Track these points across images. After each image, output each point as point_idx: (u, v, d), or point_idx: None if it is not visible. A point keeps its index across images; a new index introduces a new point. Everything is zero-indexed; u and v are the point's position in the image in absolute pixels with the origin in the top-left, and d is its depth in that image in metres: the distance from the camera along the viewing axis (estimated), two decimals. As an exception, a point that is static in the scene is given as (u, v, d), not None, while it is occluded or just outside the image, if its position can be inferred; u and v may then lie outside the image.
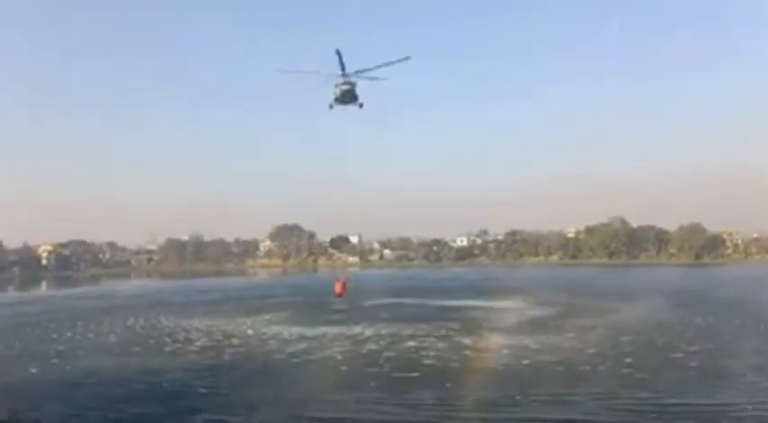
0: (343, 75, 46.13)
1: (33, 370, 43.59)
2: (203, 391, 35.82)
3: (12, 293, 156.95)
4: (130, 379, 39.66)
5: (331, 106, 47.58)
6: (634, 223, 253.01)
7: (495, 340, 50.86)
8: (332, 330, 60.32)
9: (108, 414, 31.08)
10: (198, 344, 53.86)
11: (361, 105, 47.65)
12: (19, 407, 30.09)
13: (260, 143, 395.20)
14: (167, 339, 57.23)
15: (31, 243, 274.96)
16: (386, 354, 45.65)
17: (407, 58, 44.88)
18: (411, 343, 50.46)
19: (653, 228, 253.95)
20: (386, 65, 45.48)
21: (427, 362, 42.24)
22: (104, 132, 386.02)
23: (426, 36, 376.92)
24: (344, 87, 46.29)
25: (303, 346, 51.26)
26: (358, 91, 47.47)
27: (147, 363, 45.68)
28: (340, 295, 76.52)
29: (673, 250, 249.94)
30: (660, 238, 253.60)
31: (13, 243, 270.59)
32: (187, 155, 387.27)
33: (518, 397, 31.46)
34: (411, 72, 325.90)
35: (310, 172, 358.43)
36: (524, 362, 41.09)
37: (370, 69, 46.14)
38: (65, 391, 36.49)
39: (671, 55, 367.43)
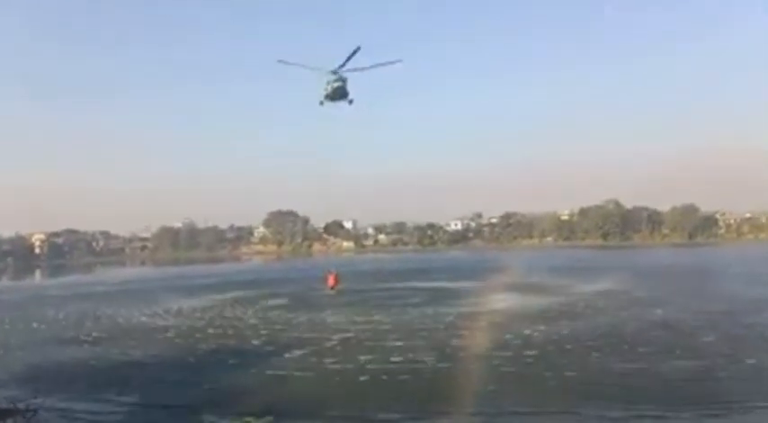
0: (335, 71, 45.97)
1: (33, 358, 43.48)
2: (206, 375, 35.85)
3: (7, 283, 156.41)
4: (131, 366, 39.67)
5: (321, 103, 47.51)
6: (628, 205, 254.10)
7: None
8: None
9: (108, 401, 31.04)
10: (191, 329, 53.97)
11: (351, 102, 47.61)
12: (19, 395, 29.89)
13: (254, 130, 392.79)
14: (158, 326, 57.35)
15: (24, 232, 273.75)
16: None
17: (399, 61, 45.37)
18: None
19: (646, 209, 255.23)
20: (379, 65, 45.73)
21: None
22: (96, 119, 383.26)
23: (417, 20, 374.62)
24: (336, 84, 46.28)
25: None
26: (348, 84, 47.42)
27: (150, 350, 45.77)
28: (332, 288, 76.40)
29: (666, 231, 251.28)
30: (653, 220, 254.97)
31: (5, 232, 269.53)
32: (180, 142, 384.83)
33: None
34: (404, 58, 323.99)
35: (305, 158, 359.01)
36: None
37: (363, 68, 46.29)
38: (65, 379, 36.43)
39: (660, 35, 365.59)
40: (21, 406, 27.60)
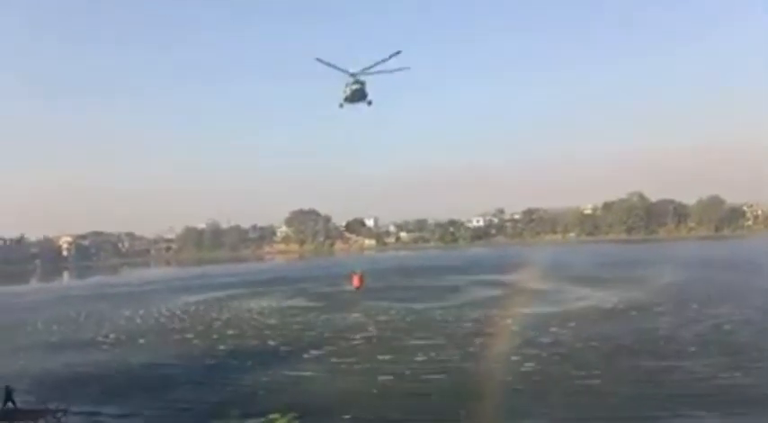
0: (352, 74, 47.15)
1: (61, 359, 44.38)
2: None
3: (35, 285, 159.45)
4: (152, 367, 40.26)
5: (341, 105, 48.67)
6: (652, 198, 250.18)
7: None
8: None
9: (132, 402, 31.54)
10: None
11: (369, 103, 48.77)
12: (48, 395, 30.56)
13: (275, 129, 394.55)
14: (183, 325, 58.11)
15: (51, 235, 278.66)
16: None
17: (398, 53, 45.54)
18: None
19: (672, 202, 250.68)
20: (382, 62, 46.35)
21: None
22: (117, 121, 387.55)
23: (437, 18, 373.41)
24: (354, 87, 47.49)
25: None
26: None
27: (181, 348, 46.54)
28: (358, 288, 76.44)
29: (692, 224, 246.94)
30: (679, 213, 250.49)
31: (33, 235, 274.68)
32: (202, 142, 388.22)
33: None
34: (425, 53, 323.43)
35: (323, 157, 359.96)
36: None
37: (371, 66, 47.03)
38: (91, 381, 37.14)
39: (685, 27, 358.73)
40: (51, 407, 28.28)
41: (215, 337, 50.94)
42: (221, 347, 45.60)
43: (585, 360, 35.23)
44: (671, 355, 35.85)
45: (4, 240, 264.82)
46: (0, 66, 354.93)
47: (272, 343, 46.21)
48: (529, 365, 34.57)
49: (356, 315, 59.03)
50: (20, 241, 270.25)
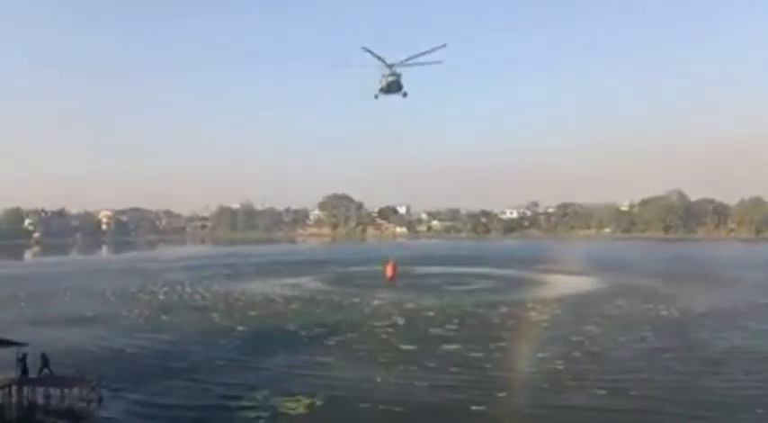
0: (389, 65, 47.26)
1: (94, 331, 45.77)
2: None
3: (76, 256, 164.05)
4: (179, 344, 41.16)
5: (376, 96, 48.98)
6: (692, 196, 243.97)
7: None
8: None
9: (162, 378, 32.37)
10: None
11: (405, 94, 49.04)
12: (83, 365, 31.50)
13: (312, 114, 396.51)
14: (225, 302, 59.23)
15: (92, 209, 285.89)
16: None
17: (443, 46, 45.43)
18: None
19: (712, 201, 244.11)
20: (423, 54, 46.35)
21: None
22: (158, 103, 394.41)
23: (480, 10, 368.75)
24: (390, 78, 47.83)
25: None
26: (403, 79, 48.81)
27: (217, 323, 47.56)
28: (391, 278, 76.49)
29: (732, 225, 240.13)
30: (720, 212, 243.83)
31: (74, 209, 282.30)
32: (239, 125, 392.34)
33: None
34: (461, 47, 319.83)
35: (360, 143, 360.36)
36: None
37: (412, 58, 47.12)
38: (116, 355, 38.27)
39: (726, 13, 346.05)
40: (87, 375, 29.19)
41: (237, 316, 51.69)
42: (244, 328, 46.22)
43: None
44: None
45: (46, 212, 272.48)
46: (53, 53, 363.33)
47: (296, 326, 46.57)
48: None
49: (383, 302, 59.20)
50: (61, 214, 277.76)
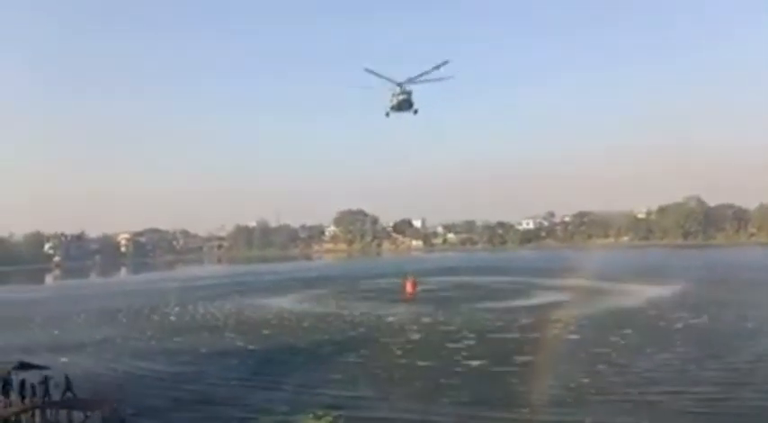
0: (399, 84, 47.88)
1: (107, 354, 46.14)
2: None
3: (95, 279, 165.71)
4: (193, 362, 41.32)
5: (387, 114, 49.39)
6: (710, 202, 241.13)
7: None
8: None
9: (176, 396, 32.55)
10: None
11: (416, 112, 49.50)
12: (101, 388, 31.74)
13: (325, 128, 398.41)
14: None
15: (110, 232, 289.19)
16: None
17: (445, 63, 45.80)
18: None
19: (731, 206, 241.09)
20: (428, 72, 46.89)
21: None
22: (168, 123, 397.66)
23: (487, 18, 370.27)
24: (401, 97, 48.30)
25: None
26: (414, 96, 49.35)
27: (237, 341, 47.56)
28: (411, 294, 76.26)
29: (752, 230, 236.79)
30: (739, 217, 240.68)
31: (93, 232, 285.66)
32: (252, 143, 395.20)
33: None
34: (476, 55, 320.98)
35: (374, 156, 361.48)
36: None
37: (418, 76, 47.73)
38: (140, 373, 38.53)
39: (745, 18, 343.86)
40: (109, 397, 29.40)
41: (254, 335, 51.73)
42: (260, 346, 46.29)
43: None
44: None
45: (66, 236, 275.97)
46: (60, 65, 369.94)
47: (312, 344, 46.61)
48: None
49: (401, 316, 59.01)
50: (80, 238, 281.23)
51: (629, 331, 45.99)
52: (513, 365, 36.33)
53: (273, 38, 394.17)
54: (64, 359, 41.50)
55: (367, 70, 47.14)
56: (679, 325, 48.62)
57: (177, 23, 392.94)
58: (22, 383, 28.98)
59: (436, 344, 44.24)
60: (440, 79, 47.86)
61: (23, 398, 28.73)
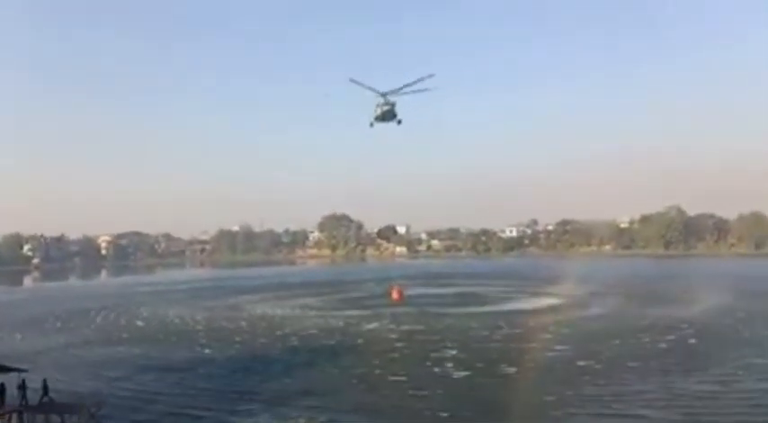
0: (383, 94, 48.31)
1: (92, 353, 45.41)
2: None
3: (74, 282, 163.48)
4: (174, 369, 40.75)
5: (371, 124, 49.83)
6: (691, 212, 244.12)
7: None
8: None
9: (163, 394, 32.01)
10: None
11: (399, 122, 50.02)
12: (81, 390, 31.20)
13: (309, 134, 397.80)
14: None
15: (91, 234, 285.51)
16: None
17: (431, 76, 46.29)
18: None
19: (712, 216, 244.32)
20: (412, 84, 47.41)
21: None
22: (153, 126, 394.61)
23: (466, 25, 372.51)
24: (385, 108, 48.74)
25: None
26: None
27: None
28: (397, 301, 77.16)
29: (732, 240, 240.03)
30: (719, 228, 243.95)
31: (73, 234, 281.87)
32: (235, 147, 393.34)
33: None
34: (454, 62, 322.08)
35: (357, 163, 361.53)
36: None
37: (401, 88, 48.23)
38: (122, 374, 37.93)
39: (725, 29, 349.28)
40: (86, 401, 28.85)
41: (235, 340, 51.23)
42: (240, 352, 45.93)
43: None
44: None
45: (45, 238, 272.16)
46: (50, 66, 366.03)
47: (297, 349, 46.44)
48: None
49: (385, 322, 58.78)
50: (60, 240, 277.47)
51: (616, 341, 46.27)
52: (497, 376, 36.09)
53: (259, 42, 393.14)
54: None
55: (352, 81, 47.43)
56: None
57: (162, 30, 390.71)
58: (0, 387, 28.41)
59: (418, 352, 43.81)
60: (424, 90, 48.19)
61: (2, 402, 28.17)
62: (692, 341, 45.40)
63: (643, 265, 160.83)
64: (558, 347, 43.83)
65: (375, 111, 49.40)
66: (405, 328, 55.49)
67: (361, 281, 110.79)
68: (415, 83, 47.32)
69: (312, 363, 41.24)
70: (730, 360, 38.22)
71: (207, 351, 46.96)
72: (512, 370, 37.26)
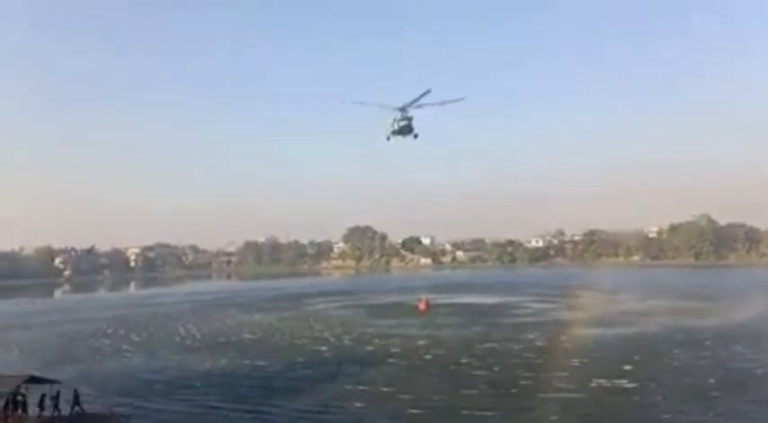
0: (402, 109, 48.40)
1: (122, 364, 46.00)
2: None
3: (102, 294, 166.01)
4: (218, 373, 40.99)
5: (388, 138, 50.02)
6: (721, 221, 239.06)
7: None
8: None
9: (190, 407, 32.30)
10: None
11: (416, 136, 50.12)
12: (113, 401, 31.57)
13: (333, 147, 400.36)
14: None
15: (120, 246, 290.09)
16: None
17: (461, 99, 46.27)
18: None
19: (743, 226, 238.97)
20: (440, 103, 47.39)
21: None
22: (181, 139, 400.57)
23: (492, 38, 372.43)
24: (402, 123, 48.93)
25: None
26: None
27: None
28: (424, 312, 78.66)
29: (765, 250, 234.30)
30: (750, 238, 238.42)
31: (103, 247, 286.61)
32: (263, 159, 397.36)
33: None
34: (480, 74, 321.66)
35: (383, 174, 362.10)
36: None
37: (415, 100, 48.38)
38: (150, 386, 38.32)
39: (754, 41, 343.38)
40: (116, 411, 29.25)
41: (252, 354, 51.13)
42: (267, 364, 45.95)
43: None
44: None
45: (76, 251, 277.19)
46: (72, 81, 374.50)
47: (320, 359, 46.50)
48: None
49: (410, 333, 58.57)
50: (90, 252, 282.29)
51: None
52: (524, 387, 35.63)
53: (285, 55, 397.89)
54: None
55: (355, 102, 47.86)
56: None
57: (192, 38, 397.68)
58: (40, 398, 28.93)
59: (442, 363, 43.36)
60: (442, 103, 48.04)
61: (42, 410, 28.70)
62: None
63: (680, 275, 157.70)
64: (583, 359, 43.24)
65: (392, 125, 49.53)
66: (433, 337, 55.31)
67: (386, 291, 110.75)
68: (421, 97, 47.06)
69: (332, 375, 41.15)
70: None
71: (239, 360, 47.29)
72: (533, 381, 36.83)
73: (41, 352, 54.32)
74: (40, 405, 28.74)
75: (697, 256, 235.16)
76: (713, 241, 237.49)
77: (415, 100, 46.63)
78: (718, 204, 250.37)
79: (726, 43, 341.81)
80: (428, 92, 44.91)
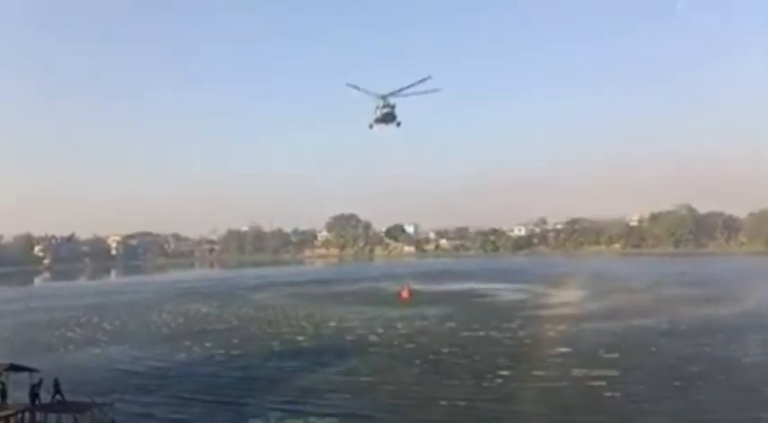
0: (383, 97, 48.44)
1: (97, 354, 45.70)
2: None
3: (84, 282, 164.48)
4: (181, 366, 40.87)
5: (371, 126, 50.04)
6: (701, 210, 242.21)
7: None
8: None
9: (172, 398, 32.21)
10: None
11: (399, 124, 50.17)
12: (93, 390, 31.37)
13: (317, 133, 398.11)
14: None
15: (101, 234, 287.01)
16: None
17: (428, 78, 46.46)
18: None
19: (721, 215, 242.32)
20: (411, 86, 47.53)
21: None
22: (161, 126, 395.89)
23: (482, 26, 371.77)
24: (385, 110, 48.89)
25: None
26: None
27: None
28: (407, 299, 78.73)
29: (743, 238, 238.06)
30: (730, 226, 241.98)
31: (84, 235, 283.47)
32: (246, 147, 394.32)
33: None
34: (464, 63, 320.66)
35: (367, 163, 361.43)
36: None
37: (401, 89, 48.28)
38: (130, 376, 38.12)
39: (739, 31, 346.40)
40: (97, 400, 29.01)
41: (260, 340, 51.40)
42: (248, 351, 46.01)
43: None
44: None
45: (56, 239, 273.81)
46: (52, 69, 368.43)
47: (299, 349, 46.61)
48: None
49: (392, 322, 58.75)
50: (70, 239, 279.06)
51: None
52: (505, 375, 35.86)
53: (267, 44, 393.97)
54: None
55: (349, 85, 47.70)
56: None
57: (170, 29, 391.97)
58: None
59: (425, 354, 43.36)
60: (424, 92, 48.18)
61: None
62: None
63: (657, 263, 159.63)
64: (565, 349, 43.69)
65: (375, 112, 49.67)
66: (415, 326, 55.54)
67: (368, 278, 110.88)
68: (415, 85, 47.14)
69: (321, 362, 41.28)
70: None
71: (219, 349, 47.19)
72: (514, 371, 37.15)
73: (11, 341, 53.67)
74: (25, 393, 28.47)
75: (677, 244, 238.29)
76: (693, 230, 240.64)
77: (407, 87, 46.77)
78: (699, 194, 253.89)
79: (707, 34, 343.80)
80: (425, 79, 45.19)
